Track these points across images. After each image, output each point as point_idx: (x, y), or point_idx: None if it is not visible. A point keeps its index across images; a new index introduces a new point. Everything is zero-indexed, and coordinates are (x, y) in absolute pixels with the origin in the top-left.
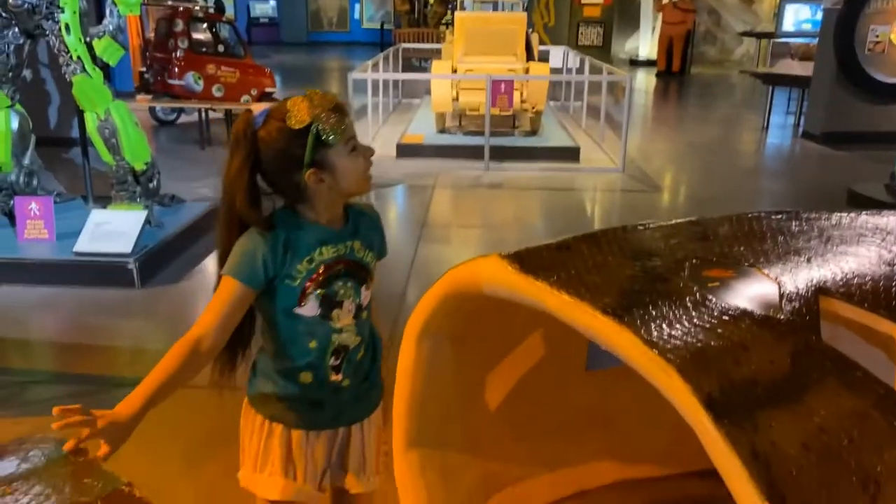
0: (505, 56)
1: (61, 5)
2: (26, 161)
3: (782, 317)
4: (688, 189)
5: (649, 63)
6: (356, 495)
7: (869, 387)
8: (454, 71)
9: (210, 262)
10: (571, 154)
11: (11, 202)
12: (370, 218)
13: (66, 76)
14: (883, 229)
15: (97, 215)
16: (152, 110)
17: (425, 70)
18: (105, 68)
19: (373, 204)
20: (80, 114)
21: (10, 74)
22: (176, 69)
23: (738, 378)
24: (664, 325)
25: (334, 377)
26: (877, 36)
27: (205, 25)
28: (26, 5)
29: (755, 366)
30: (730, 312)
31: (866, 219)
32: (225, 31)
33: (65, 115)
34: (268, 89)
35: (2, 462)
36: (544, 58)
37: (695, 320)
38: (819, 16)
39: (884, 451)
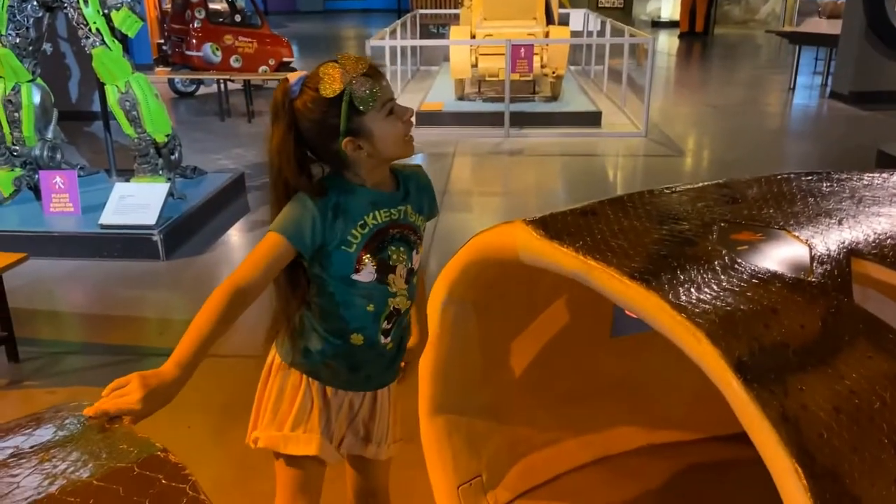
0: (524, 20)
1: None
2: (49, 135)
3: (813, 279)
4: (712, 152)
5: (672, 24)
6: (373, 464)
7: None
8: (473, 36)
9: (234, 234)
10: (593, 119)
11: (36, 176)
12: (420, 180)
13: (86, 49)
14: None
15: (121, 188)
16: (171, 82)
17: (443, 36)
18: (124, 40)
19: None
20: (101, 87)
21: (31, 48)
22: (194, 40)
23: (768, 342)
24: (692, 289)
25: (384, 340)
26: None
27: None
28: None
29: (785, 329)
30: (759, 276)
31: None
32: (241, 1)
33: (85, 89)
34: (285, 59)
35: (39, 430)
36: (564, 21)
37: (724, 284)
38: None
39: None
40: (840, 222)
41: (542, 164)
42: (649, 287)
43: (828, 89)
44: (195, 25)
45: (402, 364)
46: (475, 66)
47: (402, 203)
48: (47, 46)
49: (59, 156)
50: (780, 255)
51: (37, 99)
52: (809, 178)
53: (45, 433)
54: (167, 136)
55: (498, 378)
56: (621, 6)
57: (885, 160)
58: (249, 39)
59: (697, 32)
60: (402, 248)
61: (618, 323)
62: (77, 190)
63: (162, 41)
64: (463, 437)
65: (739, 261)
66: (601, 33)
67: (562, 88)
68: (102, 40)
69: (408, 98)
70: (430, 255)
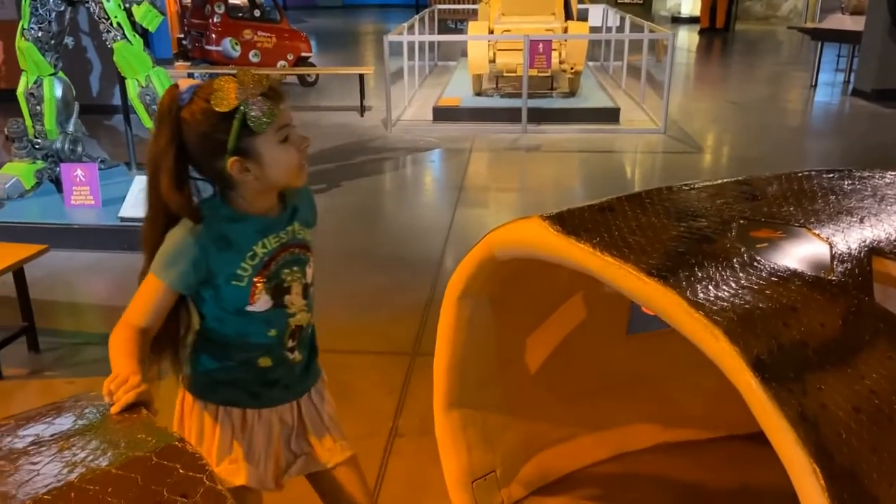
0: (543, 16)
1: None
2: (70, 128)
3: (833, 278)
4: (732, 149)
5: (692, 20)
6: (338, 469)
7: None
8: (491, 32)
9: None
10: (611, 115)
11: (57, 169)
12: (305, 195)
13: (107, 43)
14: None
15: (141, 181)
16: (191, 76)
17: (461, 32)
18: (144, 35)
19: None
20: (122, 81)
21: (53, 42)
22: (213, 35)
23: (787, 340)
24: (710, 287)
25: (291, 356)
26: None
27: None
28: None
29: (805, 328)
30: (779, 274)
31: None
32: None
33: (106, 83)
34: (304, 54)
35: (59, 419)
36: (583, 17)
37: (742, 282)
38: None
39: None
40: (861, 220)
41: (560, 160)
42: (666, 284)
43: (850, 86)
44: (215, 20)
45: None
46: (493, 61)
47: (289, 223)
48: (69, 40)
49: (79, 149)
50: (800, 253)
51: (59, 92)
52: (831, 175)
53: (64, 422)
54: None
55: (513, 373)
56: (640, 2)
57: None
58: (268, 34)
59: (718, 28)
60: (295, 269)
61: (635, 320)
62: (98, 183)
63: (182, 36)
64: (478, 431)
65: (758, 258)
66: (620, 29)
67: (580, 84)
68: (123, 34)
69: (425, 93)
70: (445, 251)
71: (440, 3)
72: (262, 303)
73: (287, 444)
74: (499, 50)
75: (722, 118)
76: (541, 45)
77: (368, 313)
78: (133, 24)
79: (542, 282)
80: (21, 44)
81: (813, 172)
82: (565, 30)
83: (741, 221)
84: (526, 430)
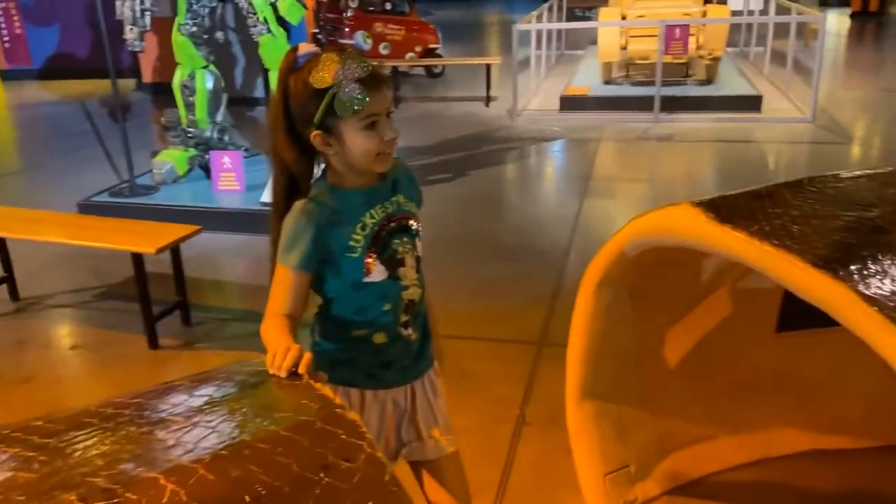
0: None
1: None
2: (219, 118)
3: None
4: (886, 141)
5: (842, 3)
6: (442, 461)
7: None
8: (623, 18)
9: None
10: (752, 103)
11: (207, 156)
12: (405, 171)
13: (253, 37)
14: None
15: None
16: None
17: (589, 20)
18: (287, 29)
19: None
20: (265, 73)
21: (205, 36)
22: (346, 28)
23: None
24: (885, 281)
25: (405, 333)
26: None
27: None
28: None
29: None
30: None
31: None
32: None
33: (249, 76)
34: (431, 45)
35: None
36: (723, 0)
37: None
38: None
39: None
40: None
41: (694, 150)
42: (836, 277)
43: None
44: (348, 14)
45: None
46: (625, 48)
47: (392, 194)
48: (220, 35)
49: (226, 137)
50: None
51: (210, 84)
52: None
53: (233, 385)
54: None
55: (651, 366)
56: None
57: None
58: (398, 27)
59: (871, 12)
60: (405, 239)
61: (785, 317)
62: (243, 170)
63: (316, 30)
64: (612, 424)
65: None
66: (764, 12)
67: (718, 71)
68: (269, 28)
69: (551, 83)
70: (572, 241)
71: None
72: (377, 273)
73: (398, 430)
74: (631, 36)
75: (875, 107)
76: (678, 31)
77: (494, 300)
78: (277, 18)
79: (686, 273)
80: (177, 38)
81: None
82: (704, 14)
83: None
84: (662, 427)
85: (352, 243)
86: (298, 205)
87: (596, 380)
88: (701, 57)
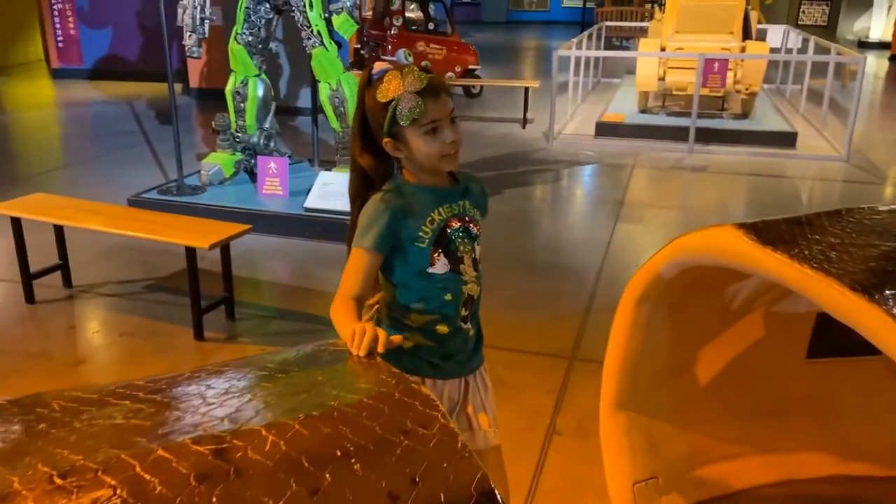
0: (720, 34)
1: None
2: (267, 125)
3: None
4: None
5: (881, 45)
6: (486, 453)
7: None
8: (663, 49)
9: None
10: (787, 139)
11: (252, 161)
12: (477, 183)
13: (307, 49)
14: None
15: (325, 176)
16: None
17: (626, 49)
18: (339, 43)
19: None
20: (314, 84)
21: (260, 46)
22: (389, 45)
23: None
24: None
25: (465, 327)
26: None
27: (417, 4)
28: None
29: None
30: None
31: None
32: (435, 10)
33: (292, 87)
34: (471, 66)
35: (310, 357)
36: (761, 37)
37: None
38: None
39: None
40: None
41: (727, 182)
42: (872, 300)
43: None
44: (392, 32)
45: None
46: (662, 78)
47: (461, 198)
48: (273, 46)
49: (272, 144)
50: None
51: (260, 92)
52: None
53: (313, 360)
54: None
55: (684, 383)
56: (825, 24)
57: None
58: (440, 46)
59: None
60: (466, 240)
61: (816, 344)
62: (287, 175)
63: (359, 45)
64: (643, 435)
65: None
66: (802, 51)
67: (754, 106)
68: (321, 41)
69: (587, 109)
70: (605, 262)
71: (607, 20)
72: (440, 265)
73: (453, 415)
74: (669, 68)
75: None
76: (716, 65)
77: (528, 315)
78: (331, 32)
79: (722, 295)
80: (233, 46)
81: None
82: (743, 49)
83: None
84: (691, 442)
85: (420, 234)
86: (377, 195)
87: (630, 392)
88: (738, 91)
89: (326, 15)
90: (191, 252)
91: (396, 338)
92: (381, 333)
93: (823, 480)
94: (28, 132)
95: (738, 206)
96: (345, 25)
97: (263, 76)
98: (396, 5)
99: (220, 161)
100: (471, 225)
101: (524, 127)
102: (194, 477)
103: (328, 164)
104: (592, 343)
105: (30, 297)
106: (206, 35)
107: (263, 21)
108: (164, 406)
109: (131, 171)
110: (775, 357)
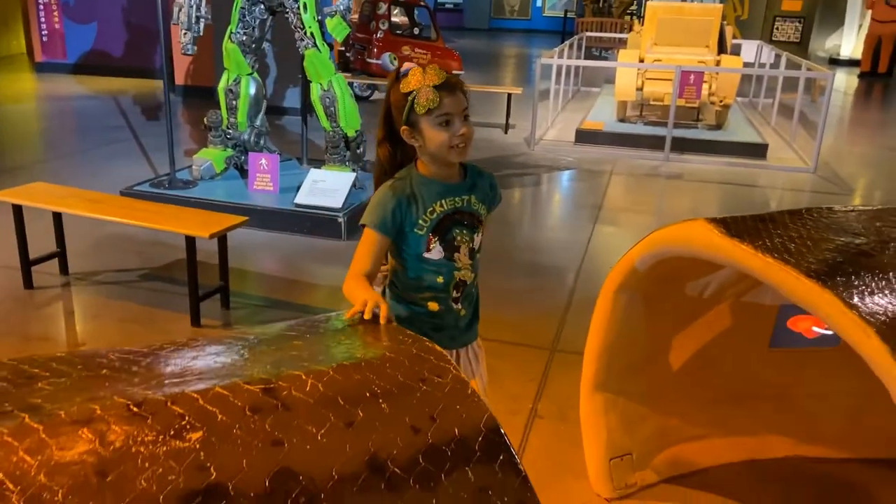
0: (696, 47)
1: None
2: (257, 122)
3: None
4: (887, 194)
5: (851, 63)
6: None
7: None
8: (641, 60)
9: None
10: (758, 151)
11: (243, 157)
12: (487, 178)
13: (300, 50)
14: None
15: (315, 174)
16: (350, 86)
17: (605, 60)
18: (330, 45)
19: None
20: (305, 84)
21: (254, 46)
22: (375, 49)
23: None
24: (866, 294)
25: (455, 307)
26: None
27: (402, 9)
28: None
29: None
30: None
31: None
32: (419, 15)
33: (279, 86)
34: (455, 71)
35: (329, 323)
36: (736, 52)
37: None
38: None
39: None
40: None
41: (701, 190)
42: (825, 286)
43: None
44: (378, 36)
45: None
46: (640, 89)
47: (466, 193)
48: (266, 46)
49: (262, 141)
50: None
51: (252, 90)
52: None
53: (334, 325)
54: (356, 131)
55: (656, 368)
56: (797, 41)
57: None
58: (424, 51)
59: (880, 73)
60: (464, 231)
61: (778, 335)
62: (278, 172)
63: (343, 48)
64: (619, 416)
65: None
66: (775, 66)
67: (727, 118)
68: (314, 43)
69: (566, 116)
70: (583, 262)
71: (587, 31)
72: (435, 252)
73: None
74: (647, 78)
75: (877, 163)
76: (692, 77)
77: (510, 309)
78: (323, 34)
79: (692, 287)
80: (228, 45)
81: None
82: (718, 63)
83: None
84: (662, 423)
85: (420, 222)
86: (389, 182)
87: (608, 374)
88: (712, 103)
89: (320, 17)
90: (191, 241)
91: (391, 317)
92: (384, 307)
93: (783, 461)
94: (12, 125)
95: (711, 212)
96: (338, 28)
97: (256, 75)
98: (382, 10)
99: (211, 157)
100: (471, 218)
101: (506, 132)
102: (249, 409)
103: (317, 163)
104: (573, 336)
105: (28, 283)
106: (202, 33)
107: (258, 21)
108: (212, 356)
109: (119, 165)
110: (741, 346)
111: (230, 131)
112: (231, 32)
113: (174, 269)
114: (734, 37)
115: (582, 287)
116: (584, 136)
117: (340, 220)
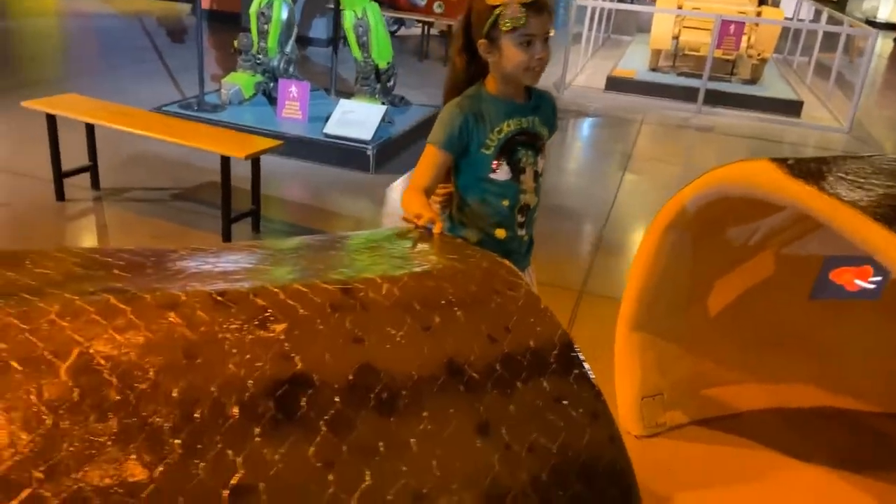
0: None
1: None
2: (287, 49)
3: None
4: None
5: (889, 26)
6: None
7: None
8: (680, 7)
9: None
10: (792, 108)
11: (272, 84)
12: (549, 101)
13: None
14: None
15: (345, 104)
16: None
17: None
18: None
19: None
20: (337, 14)
21: None
22: None
23: None
24: None
25: (521, 232)
26: None
27: None
28: None
29: None
30: None
31: None
32: None
33: (306, 16)
34: None
35: (400, 235)
36: (775, 5)
37: None
38: None
39: None
40: None
41: (731, 144)
42: (890, 228)
43: None
44: None
45: None
46: (676, 37)
47: (531, 114)
48: None
49: (291, 69)
50: None
51: (284, 15)
52: None
53: (402, 237)
54: (388, 63)
55: (697, 311)
56: (835, 0)
57: None
58: None
59: None
60: (529, 152)
61: (819, 286)
62: (307, 100)
63: None
64: (655, 356)
65: None
66: (814, 22)
67: (763, 72)
68: None
69: (597, 63)
70: (612, 210)
71: None
72: (501, 172)
73: None
74: (685, 27)
75: None
76: (732, 27)
77: (538, 249)
78: None
79: (743, 229)
80: None
81: None
82: (759, 14)
83: None
84: (697, 366)
85: (487, 141)
86: (456, 98)
87: (648, 314)
88: (749, 56)
89: None
90: (225, 161)
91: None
92: (439, 224)
93: (814, 410)
94: (34, 39)
95: None
96: None
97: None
98: None
99: (240, 81)
100: (535, 139)
101: None
102: (329, 306)
103: (345, 94)
104: (599, 279)
105: (60, 195)
106: None
107: None
108: (281, 257)
109: (146, 85)
110: (782, 294)
111: (260, 56)
112: None
113: (204, 190)
114: None
115: (611, 232)
116: (615, 84)
117: (369, 152)
